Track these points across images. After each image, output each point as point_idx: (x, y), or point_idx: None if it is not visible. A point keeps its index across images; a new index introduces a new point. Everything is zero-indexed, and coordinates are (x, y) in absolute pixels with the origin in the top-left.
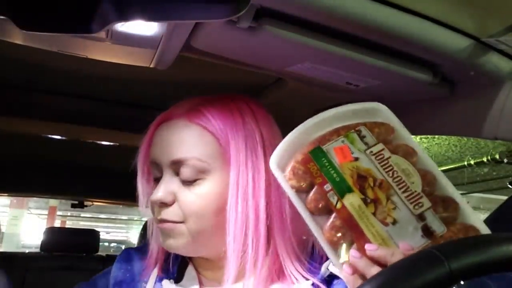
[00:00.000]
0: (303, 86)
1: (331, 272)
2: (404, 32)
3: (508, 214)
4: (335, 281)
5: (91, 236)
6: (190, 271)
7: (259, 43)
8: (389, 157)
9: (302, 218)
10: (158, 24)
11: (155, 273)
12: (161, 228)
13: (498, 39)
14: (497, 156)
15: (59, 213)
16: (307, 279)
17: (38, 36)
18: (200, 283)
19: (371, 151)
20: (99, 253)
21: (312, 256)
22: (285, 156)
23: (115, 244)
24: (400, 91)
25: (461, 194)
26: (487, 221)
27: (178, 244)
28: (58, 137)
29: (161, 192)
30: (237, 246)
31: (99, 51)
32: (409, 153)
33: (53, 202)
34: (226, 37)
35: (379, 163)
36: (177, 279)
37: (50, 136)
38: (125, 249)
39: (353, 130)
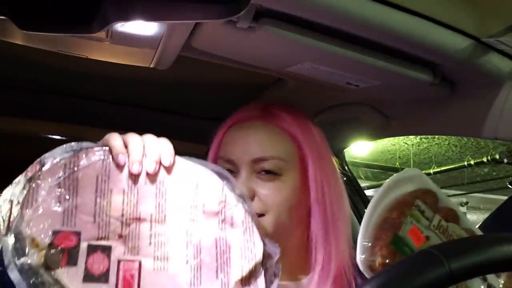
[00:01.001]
0: (303, 86)
1: None
2: (404, 32)
3: (508, 214)
4: None
5: None
6: None
7: (259, 43)
8: (447, 227)
9: None
10: (158, 24)
11: None
12: None
13: (498, 39)
14: (497, 156)
15: None
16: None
17: (38, 36)
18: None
19: (434, 225)
20: None
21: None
22: (366, 249)
23: None
24: (400, 91)
25: (461, 194)
26: (487, 221)
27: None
28: (58, 137)
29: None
30: (320, 239)
31: (99, 51)
32: (455, 217)
33: None
34: (226, 37)
35: (443, 235)
36: None
37: (50, 136)
38: None
39: (413, 207)
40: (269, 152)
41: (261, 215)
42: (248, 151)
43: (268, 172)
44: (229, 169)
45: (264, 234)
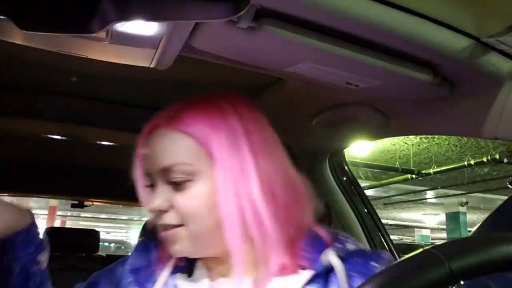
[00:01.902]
0: (303, 86)
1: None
2: (404, 32)
3: (508, 214)
4: (333, 274)
5: (91, 236)
6: (199, 266)
7: (259, 43)
8: None
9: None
10: (158, 24)
11: (170, 265)
12: (165, 236)
13: (498, 39)
14: (497, 156)
15: (59, 213)
16: (304, 268)
17: (38, 36)
18: (210, 277)
19: None
20: (99, 253)
21: (312, 244)
22: None
23: (113, 244)
24: (400, 91)
25: (461, 194)
26: (487, 221)
27: (183, 248)
28: (58, 137)
29: (156, 200)
30: (237, 241)
31: (99, 51)
32: None
33: (53, 202)
34: (226, 37)
35: None
36: (189, 273)
37: (50, 136)
38: (143, 238)
39: None
40: (172, 159)
41: (180, 225)
42: (155, 162)
43: (178, 179)
44: (152, 184)
45: (188, 245)
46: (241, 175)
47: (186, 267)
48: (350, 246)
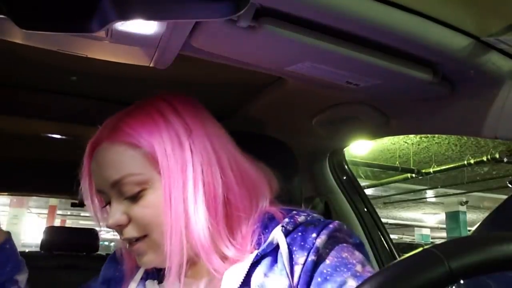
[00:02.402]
0: (303, 85)
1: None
2: (404, 31)
3: (508, 213)
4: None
5: (91, 235)
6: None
7: (259, 42)
8: None
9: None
10: (157, 23)
11: (140, 273)
12: (131, 251)
13: (498, 38)
14: (497, 155)
15: (59, 212)
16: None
17: (37, 35)
18: (181, 281)
19: None
20: (99, 252)
21: (266, 226)
22: None
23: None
24: (400, 90)
25: (461, 193)
26: (487, 220)
27: (151, 259)
28: (58, 136)
29: (114, 216)
30: (176, 245)
31: (98, 50)
32: None
33: (53, 201)
34: (226, 36)
35: None
36: (161, 279)
37: (50, 135)
38: (116, 249)
39: None
40: (121, 172)
41: (143, 237)
42: (104, 177)
43: (130, 191)
44: (107, 201)
45: (155, 255)
46: (184, 179)
47: (157, 273)
48: (301, 219)
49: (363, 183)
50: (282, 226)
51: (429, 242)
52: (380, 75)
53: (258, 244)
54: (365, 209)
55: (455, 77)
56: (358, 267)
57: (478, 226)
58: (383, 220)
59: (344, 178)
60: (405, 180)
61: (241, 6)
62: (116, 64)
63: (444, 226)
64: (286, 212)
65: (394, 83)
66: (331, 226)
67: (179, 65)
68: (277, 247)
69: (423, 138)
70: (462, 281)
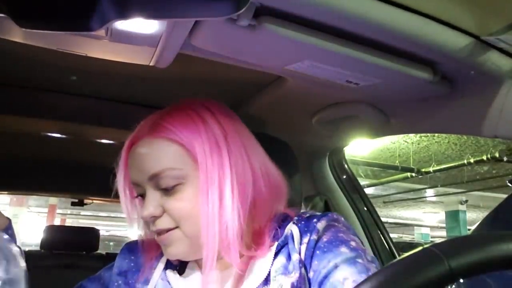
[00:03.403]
0: (303, 84)
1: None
2: (404, 30)
3: (508, 212)
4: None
5: (91, 234)
6: (192, 265)
7: (259, 41)
8: None
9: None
10: (158, 22)
11: (162, 262)
12: (160, 241)
13: (498, 37)
14: (496, 155)
15: (58, 211)
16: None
17: (37, 34)
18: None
19: None
20: (99, 251)
21: (281, 224)
22: None
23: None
24: (400, 89)
25: (461, 192)
26: (487, 219)
27: (179, 250)
28: (58, 135)
29: (149, 207)
30: (211, 239)
31: (98, 49)
32: None
33: (53, 200)
34: (226, 35)
35: None
36: (180, 271)
37: (50, 134)
38: (128, 242)
39: None
40: (161, 165)
41: (174, 228)
42: (143, 170)
43: (167, 184)
44: (140, 193)
45: (183, 247)
46: (221, 177)
47: (177, 265)
48: (307, 215)
49: (363, 182)
50: (293, 222)
51: (429, 241)
52: (380, 74)
53: (275, 238)
54: (365, 208)
55: (455, 76)
56: (353, 243)
57: (478, 225)
58: (383, 219)
59: (344, 177)
60: (405, 179)
61: (241, 5)
62: (116, 63)
63: (444, 225)
64: (295, 212)
65: (394, 82)
66: (330, 215)
67: (179, 64)
68: (291, 238)
69: (423, 137)
70: (461, 280)
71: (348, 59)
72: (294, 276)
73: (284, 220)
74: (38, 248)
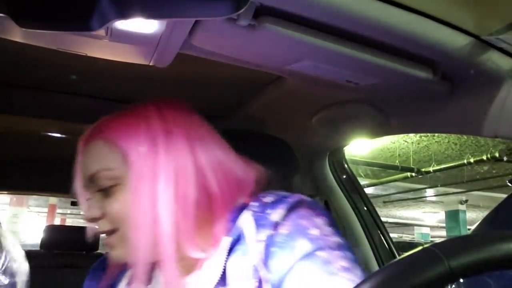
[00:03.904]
0: (303, 84)
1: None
2: (404, 30)
3: (508, 212)
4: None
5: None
6: (157, 274)
7: (259, 41)
8: None
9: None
10: (157, 21)
11: (126, 276)
12: (105, 244)
13: (498, 37)
14: (496, 154)
15: (59, 211)
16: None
17: (37, 34)
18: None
19: None
20: (99, 251)
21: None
22: None
23: None
24: (400, 89)
25: (461, 192)
26: (486, 219)
27: (120, 253)
28: (58, 134)
29: (89, 210)
30: (142, 243)
31: (98, 49)
32: None
33: (53, 200)
34: (226, 35)
35: None
36: (147, 281)
37: (49, 133)
38: (101, 258)
39: None
40: (96, 166)
41: (114, 230)
42: (83, 172)
43: (104, 185)
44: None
45: (124, 250)
46: (155, 178)
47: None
48: (267, 199)
49: (363, 182)
50: (249, 210)
51: (429, 241)
52: (380, 74)
53: (231, 234)
54: (365, 208)
55: (455, 76)
56: (314, 231)
57: (478, 225)
58: (383, 219)
59: (344, 177)
60: (405, 179)
61: (241, 5)
62: (116, 63)
63: (444, 225)
64: (256, 197)
65: (394, 82)
66: (289, 200)
67: (179, 63)
68: (245, 232)
69: (423, 137)
70: (461, 280)
71: (348, 59)
72: (252, 284)
73: (241, 210)
74: (38, 248)
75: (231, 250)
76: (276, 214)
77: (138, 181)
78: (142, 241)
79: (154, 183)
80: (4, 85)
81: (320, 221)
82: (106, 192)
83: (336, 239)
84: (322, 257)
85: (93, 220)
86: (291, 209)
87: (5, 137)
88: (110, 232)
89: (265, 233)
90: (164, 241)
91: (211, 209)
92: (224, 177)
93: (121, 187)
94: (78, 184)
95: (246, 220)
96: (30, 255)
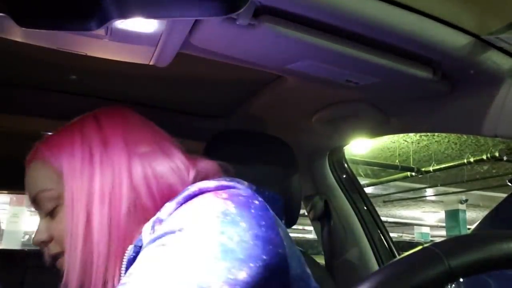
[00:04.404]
0: (302, 83)
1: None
2: (404, 29)
3: (508, 212)
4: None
5: None
6: None
7: (258, 41)
8: None
9: None
10: (157, 21)
11: None
12: (59, 269)
13: (498, 36)
14: (496, 154)
15: None
16: None
17: (37, 33)
18: None
19: None
20: None
21: None
22: None
23: None
24: (400, 89)
25: (461, 191)
26: (486, 219)
27: (72, 278)
28: None
29: (36, 233)
30: (72, 271)
31: (98, 48)
32: None
33: None
34: (226, 34)
35: None
36: None
37: (49, 133)
38: None
39: None
40: (35, 188)
41: (61, 253)
42: (28, 193)
43: (45, 207)
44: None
45: (74, 275)
46: (90, 192)
47: None
48: (179, 197)
49: (362, 181)
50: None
51: (429, 241)
52: (380, 73)
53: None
54: (365, 208)
55: (455, 75)
56: (184, 219)
57: (478, 224)
58: (383, 218)
59: (344, 176)
60: (404, 179)
61: (241, 4)
62: (116, 62)
63: (444, 224)
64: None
65: (394, 81)
66: (186, 193)
67: (179, 63)
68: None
69: (423, 136)
70: (461, 279)
71: (348, 58)
72: None
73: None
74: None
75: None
76: (163, 212)
77: (72, 199)
78: (74, 263)
79: (89, 201)
80: (4, 85)
81: (211, 206)
82: (50, 214)
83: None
84: (167, 241)
85: (42, 243)
86: (184, 202)
87: (5, 136)
88: (59, 255)
89: (155, 233)
90: (95, 264)
91: (140, 222)
92: (157, 188)
93: (62, 207)
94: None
95: (147, 224)
96: (30, 255)
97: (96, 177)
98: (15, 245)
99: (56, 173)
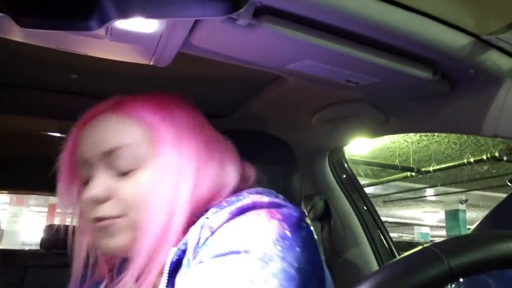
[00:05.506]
0: (302, 83)
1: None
2: (404, 29)
3: (508, 212)
4: None
5: None
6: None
7: (258, 41)
8: None
9: None
10: (157, 21)
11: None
12: (97, 230)
13: (498, 36)
14: (496, 154)
15: (58, 210)
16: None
17: (37, 33)
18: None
19: None
20: None
21: None
22: None
23: None
24: (399, 89)
25: (461, 191)
26: (486, 219)
27: (119, 243)
28: (58, 134)
29: (96, 188)
30: (150, 242)
31: (98, 48)
32: None
33: (53, 199)
34: (226, 34)
35: None
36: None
37: (49, 133)
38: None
39: None
40: (117, 141)
41: (118, 216)
42: (98, 146)
43: (123, 164)
44: (86, 176)
45: (125, 240)
46: (182, 166)
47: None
48: (225, 202)
49: (363, 181)
50: (207, 218)
51: (429, 241)
52: (379, 74)
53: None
54: (365, 208)
55: (455, 76)
56: (247, 237)
57: (478, 224)
58: (383, 218)
59: (344, 176)
60: (405, 179)
61: (241, 4)
62: (116, 63)
63: (444, 224)
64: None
65: (393, 82)
66: (239, 204)
67: (179, 63)
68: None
69: (423, 136)
70: (461, 279)
71: (348, 59)
72: None
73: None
74: (38, 247)
75: (180, 262)
76: (213, 220)
77: (165, 166)
78: (154, 231)
79: (181, 172)
80: (4, 85)
81: (270, 228)
82: (122, 172)
83: (275, 250)
84: (233, 261)
85: (94, 202)
86: (237, 214)
87: (5, 136)
88: (113, 218)
89: (209, 245)
90: (171, 233)
91: (193, 213)
92: (212, 183)
93: (141, 170)
94: (69, 165)
95: (193, 228)
96: (30, 254)
97: (189, 152)
98: (14, 245)
99: (148, 135)
